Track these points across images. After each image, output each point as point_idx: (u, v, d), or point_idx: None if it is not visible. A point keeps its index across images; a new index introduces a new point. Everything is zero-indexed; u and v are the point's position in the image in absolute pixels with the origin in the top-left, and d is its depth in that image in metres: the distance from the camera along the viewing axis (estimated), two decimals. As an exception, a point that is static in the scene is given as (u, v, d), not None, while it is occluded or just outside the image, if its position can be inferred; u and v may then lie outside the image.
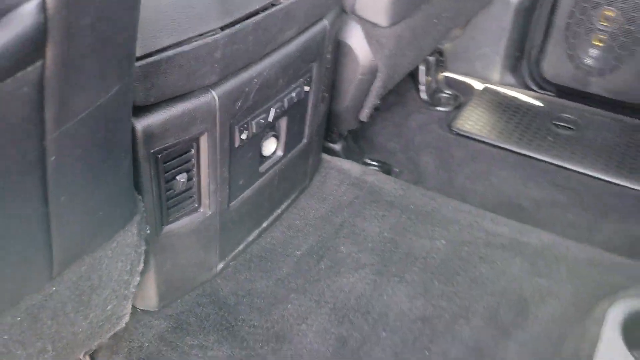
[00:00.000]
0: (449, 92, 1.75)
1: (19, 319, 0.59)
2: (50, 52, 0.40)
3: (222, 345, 0.90)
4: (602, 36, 1.64)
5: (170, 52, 0.66)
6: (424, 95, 1.73)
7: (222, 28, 0.70)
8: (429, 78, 1.75)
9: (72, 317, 0.66)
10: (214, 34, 0.69)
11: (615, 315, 0.84)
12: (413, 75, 1.74)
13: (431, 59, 1.72)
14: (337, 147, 1.38)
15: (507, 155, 1.49)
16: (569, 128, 1.59)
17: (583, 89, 1.72)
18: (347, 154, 1.38)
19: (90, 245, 0.62)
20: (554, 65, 1.74)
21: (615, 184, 1.40)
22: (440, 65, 1.79)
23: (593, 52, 1.67)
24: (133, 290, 0.75)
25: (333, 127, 1.29)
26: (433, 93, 1.75)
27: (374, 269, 1.03)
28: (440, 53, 1.77)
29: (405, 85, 1.74)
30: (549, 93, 1.76)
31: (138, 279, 0.75)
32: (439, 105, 1.71)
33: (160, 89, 0.68)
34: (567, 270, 1.03)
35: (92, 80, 0.46)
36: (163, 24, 0.64)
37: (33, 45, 0.38)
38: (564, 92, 1.75)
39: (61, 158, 0.48)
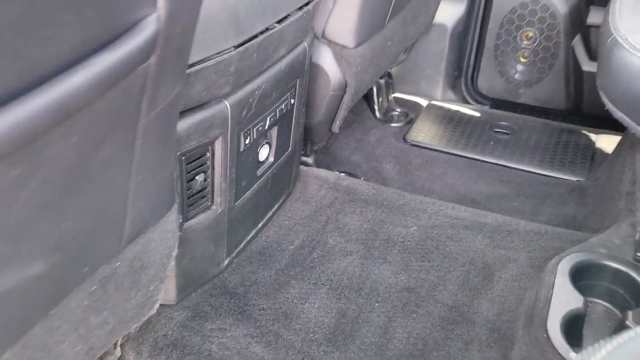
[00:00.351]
0: (400, 110, 1.96)
1: (94, 287, 0.70)
2: (154, 54, 0.54)
3: (238, 326, 1.03)
4: (525, 53, 1.90)
5: (197, 67, 0.81)
6: (378, 114, 1.93)
7: (236, 47, 0.86)
8: (381, 99, 1.95)
9: (127, 293, 0.78)
10: (229, 52, 0.85)
11: (563, 267, 1.03)
12: (367, 97, 1.94)
13: (382, 81, 1.93)
14: (309, 160, 1.54)
15: (457, 160, 1.70)
16: (506, 133, 1.82)
17: (514, 100, 1.98)
18: (319, 167, 1.55)
19: (146, 226, 0.75)
20: (488, 81, 1.99)
21: (549, 176, 1.62)
22: (390, 87, 2.00)
23: (519, 67, 1.93)
24: (168, 274, 0.87)
25: (307, 141, 1.46)
26: (386, 112, 1.95)
27: (360, 255, 1.19)
28: (389, 76, 1.98)
29: (361, 106, 1.93)
30: (485, 105, 2.00)
31: (173, 263, 0.87)
32: (392, 122, 1.91)
33: (188, 98, 0.83)
34: (520, 241, 1.22)
35: (171, 79, 0.61)
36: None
37: (149, 48, 0.52)
38: (498, 103, 1.99)
39: (144, 142, 0.62)
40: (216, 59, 0.83)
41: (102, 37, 0.47)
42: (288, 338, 1.01)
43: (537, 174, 1.63)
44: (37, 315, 0.61)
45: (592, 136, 1.80)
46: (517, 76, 1.94)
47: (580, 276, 1.04)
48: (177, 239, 0.86)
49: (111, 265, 0.72)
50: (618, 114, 1.16)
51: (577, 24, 1.80)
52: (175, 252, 0.86)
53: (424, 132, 1.83)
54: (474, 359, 0.97)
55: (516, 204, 1.50)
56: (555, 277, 1.01)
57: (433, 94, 2.01)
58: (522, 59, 1.92)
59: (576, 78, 1.84)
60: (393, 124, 1.89)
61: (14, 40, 0.38)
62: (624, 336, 0.53)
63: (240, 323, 1.03)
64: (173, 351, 0.99)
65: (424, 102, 2.00)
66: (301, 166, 1.43)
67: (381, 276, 1.14)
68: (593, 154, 1.71)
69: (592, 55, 1.78)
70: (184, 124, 0.85)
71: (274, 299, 1.08)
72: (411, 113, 1.94)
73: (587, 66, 1.79)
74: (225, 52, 0.84)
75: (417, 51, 1.95)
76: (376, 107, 1.93)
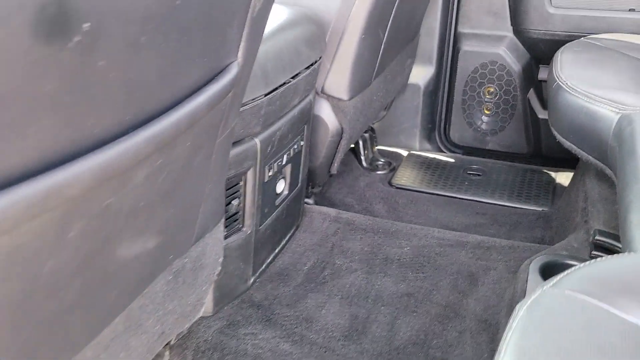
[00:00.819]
0: (383, 160, 2.21)
1: (170, 277, 0.89)
2: (232, 91, 0.76)
3: (267, 331, 1.21)
4: (489, 106, 2.20)
5: (240, 109, 1.04)
6: (365, 164, 2.17)
7: (265, 95, 1.10)
8: (367, 151, 2.20)
9: (189, 289, 0.96)
10: (261, 99, 1.09)
11: (534, 267, 1.25)
12: (355, 151, 2.19)
13: (366, 135, 2.19)
14: (310, 201, 1.76)
15: (437, 198, 1.93)
16: (478, 175, 2.08)
17: (482, 146, 2.25)
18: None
19: (206, 230, 0.95)
20: (458, 131, 2.27)
21: (518, 207, 1.87)
22: (374, 140, 2.26)
23: (485, 118, 2.22)
24: (215, 277, 1.06)
25: (309, 183, 1.68)
26: (371, 162, 2.20)
27: (364, 271, 1.39)
28: (372, 130, 2.25)
29: (349, 159, 2.18)
30: (457, 153, 2.27)
31: (219, 268, 1.06)
32: (378, 170, 2.15)
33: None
34: (497, 254, 1.44)
35: (235, 110, 0.83)
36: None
37: (231, 85, 0.74)
38: (469, 150, 2.26)
39: (216, 157, 0.83)
40: (251, 104, 1.07)
41: (207, 75, 0.69)
42: (310, 337, 1.19)
43: (508, 206, 1.88)
44: (140, 289, 0.80)
45: (552, 174, 2.07)
46: (483, 126, 2.23)
47: (548, 273, 1.25)
48: (223, 248, 1.06)
49: (182, 259, 0.91)
50: (567, 144, 1.42)
51: (530, 79, 2.12)
52: (221, 259, 1.06)
53: (407, 177, 2.07)
54: (467, 344, 1.17)
55: (492, 230, 1.73)
56: (527, 275, 1.23)
57: (411, 145, 2.28)
58: (486, 111, 2.21)
59: (534, 125, 2.14)
60: (379, 172, 2.14)
61: (160, 75, 0.60)
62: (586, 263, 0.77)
63: (269, 328, 1.21)
64: (214, 353, 1.16)
65: (404, 152, 2.26)
66: (305, 205, 1.65)
67: (384, 286, 1.34)
68: (554, 188, 1.97)
69: (545, 105, 2.08)
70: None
71: (295, 308, 1.27)
72: (394, 162, 2.19)
73: (542, 114, 2.10)
74: (257, 98, 1.08)
75: (396, 108, 2.23)
76: (362, 158, 2.18)
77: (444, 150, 2.28)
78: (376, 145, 2.27)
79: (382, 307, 1.27)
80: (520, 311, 0.69)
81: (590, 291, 0.72)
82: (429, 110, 2.25)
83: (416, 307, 1.27)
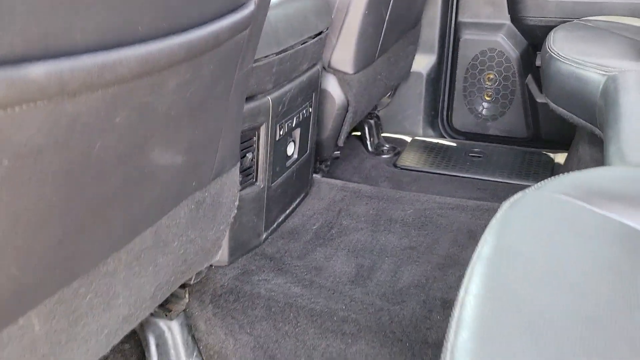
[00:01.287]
0: (388, 145, 2.31)
1: (192, 207, 0.98)
2: (248, 28, 0.86)
3: (279, 277, 1.29)
4: (489, 92, 2.30)
5: (253, 65, 1.14)
6: (370, 149, 2.27)
7: (276, 54, 1.20)
8: (372, 137, 2.30)
9: (209, 223, 1.06)
10: (272, 57, 1.19)
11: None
12: (361, 137, 2.29)
13: (372, 122, 2.29)
14: (318, 176, 1.85)
15: (440, 177, 2.02)
16: (479, 157, 2.17)
17: (483, 132, 2.34)
18: (327, 181, 1.86)
19: (224, 168, 1.04)
20: (460, 118, 2.37)
21: (518, 184, 1.95)
22: (379, 127, 2.36)
23: (485, 104, 2.32)
24: (231, 220, 1.15)
25: (317, 157, 1.78)
26: (376, 147, 2.29)
27: (369, 229, 1.48)
28: (377, 117, 2.35)
29: (355, 144, 2.28)
30: (459, 139, 2.36)
31: (235, 211, 1.15)
32: (383, 154, 2.25)
33: (247, 90, 1.15)
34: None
35: (251, 53, 0.93)
36: (249, 49, 1.13)
37: (247, 21, 0.84)
38: (470, 137, 2.35)
39: (233, 94, 0.93)
40: (264, 61, 1.17)
41: (229, 6, 0.80)
42: (320, 282, 1.28)
43: (508, 182, 1.96)
44: (167, 208, 0.89)
45: (551, 155, 2.15)
46: (484, 112, 2.32)
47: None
48: (238, 192, 1.15)
49: (203, 192, 1.00)
50: (560, 110, 1.51)
51: (528, 65, 2.21)
52: (237, 203, 1.15)
53: (411, 159, 2.17)
54: (466, 286, 1.25)
55: (489, 203, 1.82)
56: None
57: (415, 132, 2.38)
58: (486, 97, 2.31)
59: (532, 109, 2.23)
60: (384, 156, 2.23)
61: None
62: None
63: (281, 275, 1.30)
64: (230, 296, 1.25)
65: (408, 139, 2.36)
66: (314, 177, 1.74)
67: (388, 241, 1.42)
68: (553, 167, 2.05)
69: (542, 90, 2.17)
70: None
71: (305, 260, 1.36)
72: (398, 147, 2.29)
73: (540, 98, 2.19)
74: (270, 56, 1.18)
75: (399, 95, 2.33)
76: (368, 144, 2.28)
77: (447, 136, 2.38)
78: (381, 132, 2.37)
79: (386, 258, 1.36)
80: (501, 210, 0.78)
81: (574, 194, 0.80)
82: (432, 97, 2.34)
83: (418, 258, 1.35)
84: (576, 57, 1.44)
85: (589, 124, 1.40)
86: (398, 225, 1.50)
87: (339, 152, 2.12)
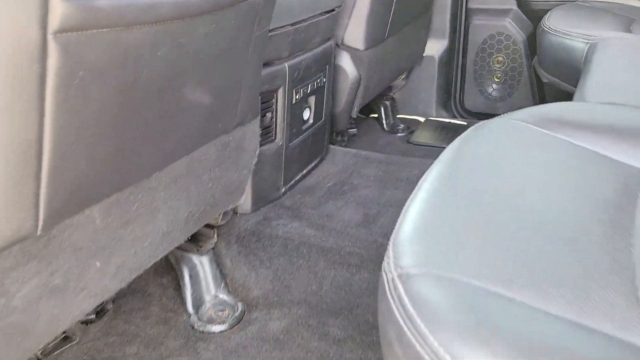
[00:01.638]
0: (403, 125, 2.47)
1: (219, 147, 1.18)
2: (263, -7, 1.05)
3: (295, 222, 1.48)
4: (498, 74, 2.44)
5: (270, 33, 1.33)
6: (386, 128, 2.44)
7: (292, 25, 1.39)
8: (388, 118, 2.47)
9: (234, 165, 1.24)
10: (288, 27, 1.38)
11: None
12: (377, 118, 2.46)
13: (387, 103, 2.46)
14: (334, 147, 2.03)
15: (450, 150, 2.18)
16: (488, 133, 2.31)
17: (493, 112, 2.49)
18: (343, 152, 2.04)
19: (246, 118, 1.23)
20: (471, 99, 2.52)
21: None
22: (395, 108, 2.52)
23: (495, 86, 2.46)
24: (252, 167, 1.34)
25: (333, 128, 1.96)
26: (392, 127, 2.46)
27: (377, 187, 1.65)
28: (393, 99, 2.52)
29: (371, 124, 2.45)
30: (470, 120, 2.51)
31: (256, 159, 1.34)
32: (398, 133, 2.42)
33: (264, 56, 1.34)
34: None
35: (267, 16, 1.12)
36: (268, 20, 1.32)
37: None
38: (481, 117, 2.50)
39: (252, 52, 1.12)
40: (280, 30, 1.36)
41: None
42: (331, 226, 1.45)
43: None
44: (197, 143, 1.08)
45: (556, 131, 2.28)
46: (494, 93, 2.47)
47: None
48: (259, 143, 1.34)
49: (228, 137, 1.19)
50: (550, 78, 1.66)
51: (534, 47, 2.35)
52: (257, 151, 1.34)
53: (424, 136, 2.33)
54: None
55: (495, 170, 1.97)
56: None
57: (429, 113, 2.54)
58: (496, 79, 2.46)
59: (539, 89, 2.37)
60: (399, 134, 2.40)
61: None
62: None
63: (297, 220, 1.49)
64: (252, 237, 1.43)
65: (422, 119, 2.52)
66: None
67: (394, 196, 1.59)
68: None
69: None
70: (261, 73, 1.36)
71: (318, 209, 1.54)
72: (413, 127, 2.45)
73: (545, 78, 2.32)
74: (286, 26, 1.37)
75: (413, 79, 2.50)
76: (384, 124, 2.45)
77: (458, 117, 2.53)
78: (397, 114, 2.54)
79: (390, 208, 1.53)
80: (466, 132, 0.94)
81: (531, 120, 0.96)
82: (444, 80, 2.50)
83: (419, 207, 1.52)
84: (565, 29, 1.59)
85: (574, 89, 1.55)
86: (404, 183, 1.67)
87: (355, 129, 2.30)
